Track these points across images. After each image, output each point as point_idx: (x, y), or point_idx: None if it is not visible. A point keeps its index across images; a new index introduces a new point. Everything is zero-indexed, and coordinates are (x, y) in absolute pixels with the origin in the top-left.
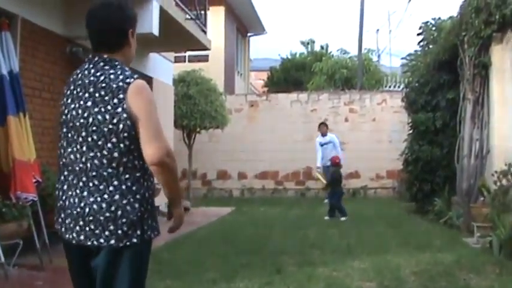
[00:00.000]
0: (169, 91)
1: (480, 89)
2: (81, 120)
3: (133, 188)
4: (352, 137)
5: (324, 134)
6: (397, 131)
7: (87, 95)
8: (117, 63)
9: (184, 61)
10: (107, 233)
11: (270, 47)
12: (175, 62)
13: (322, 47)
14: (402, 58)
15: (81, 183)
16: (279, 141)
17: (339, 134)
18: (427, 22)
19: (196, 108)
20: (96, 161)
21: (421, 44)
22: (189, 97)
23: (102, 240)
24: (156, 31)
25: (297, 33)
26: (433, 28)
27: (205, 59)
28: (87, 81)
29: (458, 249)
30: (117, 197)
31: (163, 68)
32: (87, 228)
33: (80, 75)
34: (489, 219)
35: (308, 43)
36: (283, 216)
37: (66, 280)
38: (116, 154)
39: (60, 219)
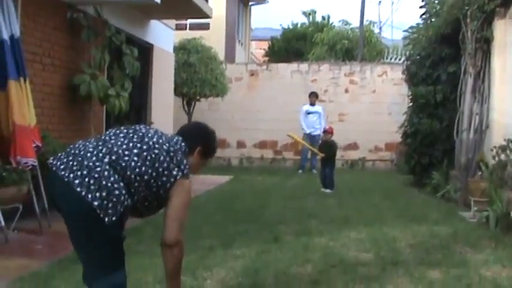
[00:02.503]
0: (169, 58)
1: (481, 63)
2: (150, 143)
3: (131, 191)
4: (352, 109)
5: (312, 104)
6: (397, 104)
7: (167, 145)
8: (186, 152)
9: (186, 29)
10: (97, 194)
11: (271, 17)
12: (176, 29)
13: (323, 18)
14: (404, 31)
15: (106, 159)
16: (279, 111)
17: (339, 105)
18: None
19: (197, 76)
20: (133, 164)
21: (424, 17)
22: (189, 65)
23: (89, 196)
24: None
25: (299, 3)
26: (436, 1)
27: (206, 27)
28: (172, 142)
29: (455, 222)
30: (122, 184)
31: (164, 35)
32: (87, 179)
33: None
34: (486, 193)
35: (310, 13)
36: (281, 185)
37: (65, 244)
38: (145, 177)
39: (62, 157)
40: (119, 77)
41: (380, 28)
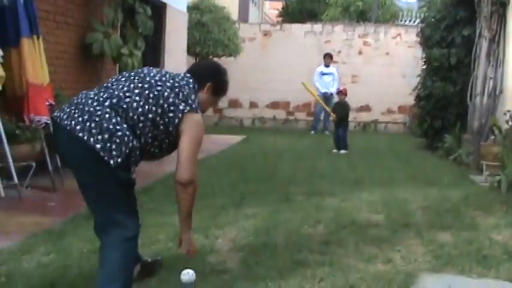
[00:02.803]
0: (183, 18)
1: (497, 27)
2: (152, 81)
3: (137, 133)
4: (365, 71)
5: (327, 65)
6: (410, 66)
7: (171, 81)
8: (194, 86)
9: None
10: (99, 137)
11: None
12: None
13: None
14: None
15: (106, 103)
16: (292, 71)
17: (352, 66)
18: None
19: (210, 36)
20: (135, 105)
21: None
22: (202, 25)
23: (91, 140)
24: None
25: None
26: None
27: None
28: (178, 79)
29: (466, 186)
30: (125, 125)
31: None
32: (88, 124)
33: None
34: (499, 158)
35: None
36: (293, 146)
37: (78, 202)
38: (150, 115)
39: (65, 108)
40: (132, 35)
41: None
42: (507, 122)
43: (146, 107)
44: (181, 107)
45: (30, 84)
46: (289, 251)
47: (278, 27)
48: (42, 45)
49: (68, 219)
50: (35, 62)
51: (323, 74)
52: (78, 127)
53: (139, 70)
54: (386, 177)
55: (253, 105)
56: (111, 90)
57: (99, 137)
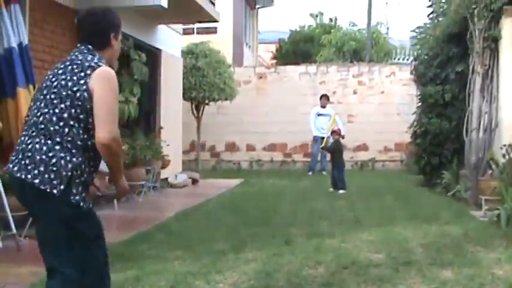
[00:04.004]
0: (178, 63)
1: (490, 62)
2: (48, 83)
3: (72, 151)
4: (361, 110)
5: (323, 106)
6: (405, 104)
7: (62, 66)
8: (96, 53)
9: (193, 33)
10: (35, 171)
11: (278, 20)
12: (184, 34)
13: (331, 20)
14: (411, 31)
15: (33, 133)
16: (288, 113)
17: (348, 106)
18: None
19: (205, 80)
20: (47, 116)
21: (431, 16)
22: (197, 69)
23: (29, 176)
24: (165, 3)
25: (306, 5)
26: (443, 1)
27: (213, 31)
28: (68, 58)
29: (466, 222)
30: (57, 147)
31: (172, 40)
32: (23, 162)
33: (66, 58)
34: (497, 192)
35: (317, 15)
36: (292, 188)
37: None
38: (65, 115)
39: (11, 158)
40: (128, 82)
41: (387, 29)
42: (504, 155)
43: (56, 110)
44: (81, 78)
45: None
46: None
47: (273, 69)
48: None
49: None
50: None
51: (319, 114)
52: (16, 168)
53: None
54: (386, 215)
55: (250, 148)
56: (31, 120)
57: (36, 171)
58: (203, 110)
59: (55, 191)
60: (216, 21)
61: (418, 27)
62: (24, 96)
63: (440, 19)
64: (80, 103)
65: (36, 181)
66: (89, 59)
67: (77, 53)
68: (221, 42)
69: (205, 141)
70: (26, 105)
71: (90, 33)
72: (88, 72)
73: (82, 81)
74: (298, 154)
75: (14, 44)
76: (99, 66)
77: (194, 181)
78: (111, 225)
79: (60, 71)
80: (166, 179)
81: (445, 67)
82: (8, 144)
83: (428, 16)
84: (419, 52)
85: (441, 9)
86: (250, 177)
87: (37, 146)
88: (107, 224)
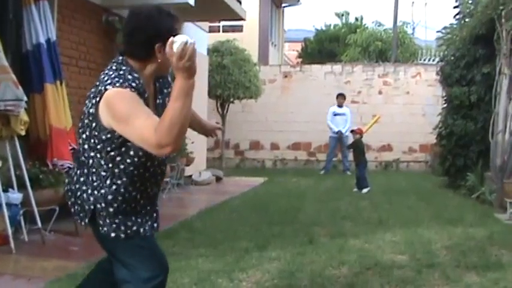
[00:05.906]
0: (203, 61)
1: None
2: (84, 108)
3: (95, 184)
4: (386, 110)
5: (340, 105)
6: (431, 105)
7: (94, 85)
8: (120, 67)
9: (219, 31)
10: (74, 206)
11: (304, 18)
12: (210, 31)
13: (356, 19)
14: (437, 31)
15: (79, 168)
16: (312, 112)
17: (373, 106)
18: None
19: (230, 78)
20: (80, 147)
21: (457, 17)
22: (223, 67)
23: (76, 217)
24: (191, 0)
25: (332, 4)
26: (470, 1)
27: (239, 29)
28: (101, 74)
29: (491, 224)
30: (82, 179)
31: (198, 37)
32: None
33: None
34: None
35: (343, 15)
36: (316, 187)
37: (100, 247)
38: (86, 146)
39: None
40: None
41: (413, 29)
42: None
43: (80, 140)
44: (92, 105)
45: (54, 129)
46: None
47: (298, 68)
48: (65, 90)
49: (91, 263)
50: (58, 107)
51: (335, 114)
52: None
53: None
54: (410, 216)
55: (274, 146)
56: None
57: (75, 206)
58: (228, 108)
59: (82, 223)
60: (242, 19)
61: (445, 28)
62: (52, 92)
63: (467, 20)
64: (95, 133)
65: (72, 210)
66: (105, 79)
67: (108, 68)
68: (247, 41)
69: (229, 139)
70: (53, 101)
71: (130, 40)
72: (98, 99)
73: (92, 110)
74: (322, 153)
75: (42, 40)
76: (106, 90)
77: (218, 179)
78: None
79: (89, 92)
80: (191, 176)
81: (472, 68)
82: (35, 139)
83: (454, 17)
84: (446, 53)
85: (468, 10)
86: (274, 176)
87: (73, 175)
88: None
